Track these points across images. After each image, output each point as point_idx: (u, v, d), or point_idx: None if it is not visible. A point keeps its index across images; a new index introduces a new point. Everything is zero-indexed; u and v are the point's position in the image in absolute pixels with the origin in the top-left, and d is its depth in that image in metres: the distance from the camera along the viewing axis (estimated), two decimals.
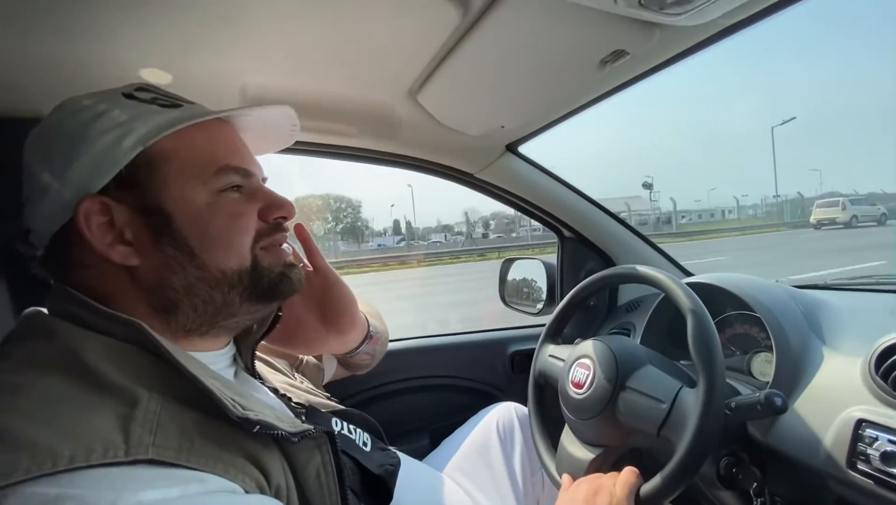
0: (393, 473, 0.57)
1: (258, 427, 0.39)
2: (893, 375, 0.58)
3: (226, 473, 0.36)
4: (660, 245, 1.18)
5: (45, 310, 0.44)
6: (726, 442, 0.71)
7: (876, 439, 0.57)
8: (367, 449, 0.58)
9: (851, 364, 0.64)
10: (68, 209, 0.41)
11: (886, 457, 0.55)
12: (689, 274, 1.12)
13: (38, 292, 0.46)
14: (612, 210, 1.18)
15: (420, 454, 0.87)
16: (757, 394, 0.62)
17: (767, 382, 0.72)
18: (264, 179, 0.52)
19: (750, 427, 0.71)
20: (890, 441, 0.55)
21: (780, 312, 0.75)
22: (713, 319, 0.65)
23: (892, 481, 0.54)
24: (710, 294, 0.84)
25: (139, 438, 0.33)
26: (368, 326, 0.74)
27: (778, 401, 0.60)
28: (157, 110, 0.44)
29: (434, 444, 0.96)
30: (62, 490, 0.29)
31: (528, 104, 0.84)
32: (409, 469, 0.67)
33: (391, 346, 0.96)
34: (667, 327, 0.97)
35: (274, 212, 0.50)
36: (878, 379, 0.60)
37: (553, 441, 0.77)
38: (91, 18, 0.54)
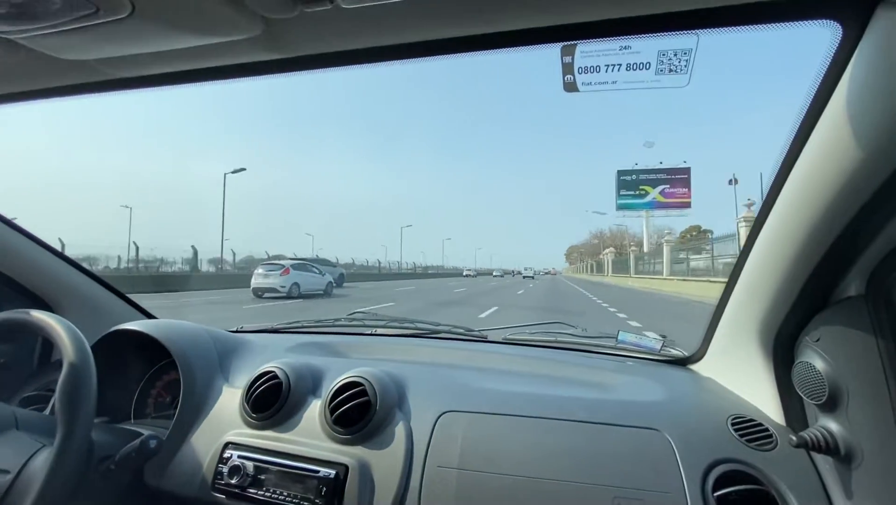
0: None
1: None
2: (253, 397, 0.72)
3: None
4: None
5: None
6: (123, 498, 0.68)
7: (230, 458, 0.67)
8: None
9: (237, 395, 0.76)
10: None
11: (233, 471, 0.65)
12: (151, 317, 1.06)
13: None
14: None
15: None
16: (135, 442, 0.62)
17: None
18: None
19: (146, 476, 0.70)
20: (239, 456, 0.67)
21: (196, 355, 0.81)
22: (156, 365, 0.60)
23: (237, 491, 0.64)
24: (148, 341, 0.81)
25: None
26: None
27: (152, 443, 0.63)
28: None
29: None
30: None
31: None
32: None
33: None
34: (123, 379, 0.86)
35: None
36: (245, 404, 0.73)
37: None
38: None
